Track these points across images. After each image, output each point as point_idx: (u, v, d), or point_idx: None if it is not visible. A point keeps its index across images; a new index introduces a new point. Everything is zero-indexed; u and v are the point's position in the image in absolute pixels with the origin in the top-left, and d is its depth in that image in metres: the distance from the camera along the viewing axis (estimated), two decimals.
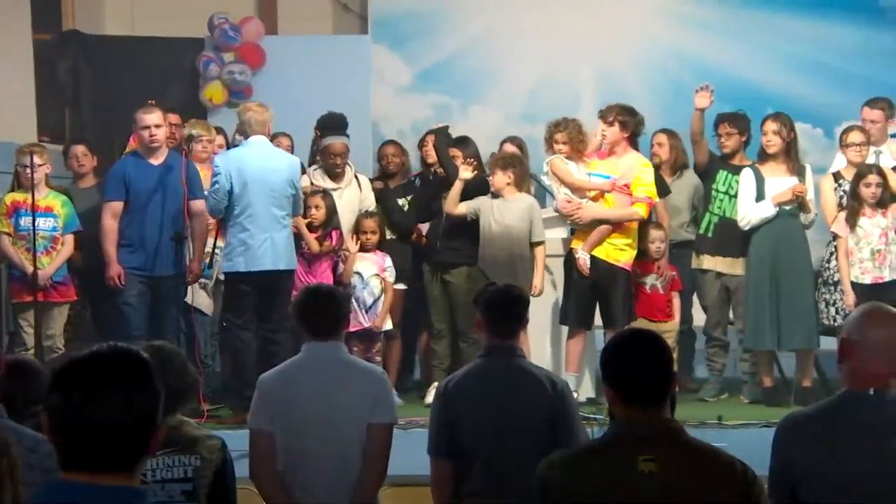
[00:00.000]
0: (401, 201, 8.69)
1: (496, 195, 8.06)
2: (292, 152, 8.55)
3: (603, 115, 8.01)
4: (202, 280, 8.14)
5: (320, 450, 4.53)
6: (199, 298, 8.24)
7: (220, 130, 8.85)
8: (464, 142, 8.39)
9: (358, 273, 8.19)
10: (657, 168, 8.32)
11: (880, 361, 3.58)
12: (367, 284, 8.18)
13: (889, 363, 3.58)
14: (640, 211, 7.90)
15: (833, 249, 8.04)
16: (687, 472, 3.18)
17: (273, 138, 8.24)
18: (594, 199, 7.96)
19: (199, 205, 7.81)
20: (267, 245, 7.62)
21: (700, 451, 3.26)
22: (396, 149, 9.05)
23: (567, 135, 8.04)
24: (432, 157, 8.61)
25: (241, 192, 7.63)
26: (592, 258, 7.88)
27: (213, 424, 6.66)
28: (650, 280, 8.23)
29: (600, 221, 7.90)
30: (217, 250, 7.95)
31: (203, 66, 11.10)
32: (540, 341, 7.99)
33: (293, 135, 8.99)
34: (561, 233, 8.25)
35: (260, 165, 7.68)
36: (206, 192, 7.82)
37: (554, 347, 8.25)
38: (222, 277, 8.05)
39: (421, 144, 9.00)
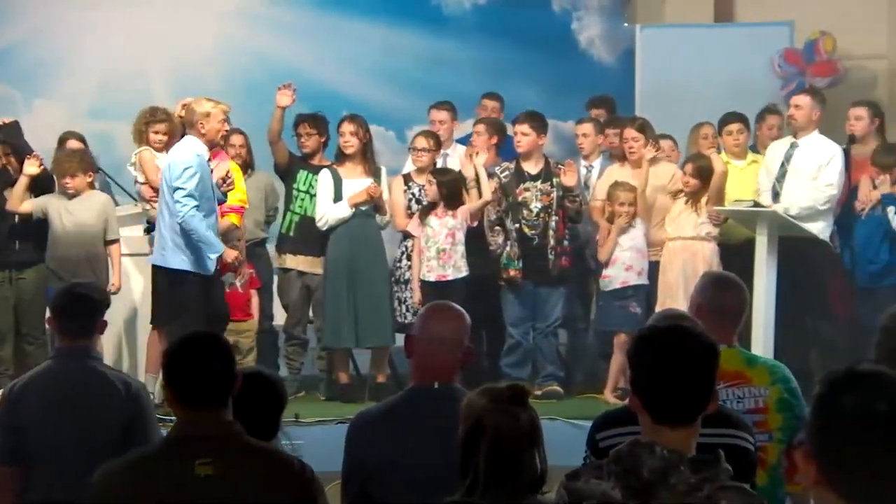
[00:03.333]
0: None
1: (67, 193, 7.79)
2: None
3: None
4: None
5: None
6: None
7: None
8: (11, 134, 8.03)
9: None
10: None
11: (443, 355, 3.73)
12: None
13: (451, 356, 3.74)
14: (233, 220, 7.88)
15: (405, 249, 8.33)
16: (246, 474, 3.19)
17: None
18: None
19: None
20: None
21: (260, 453, 3.27)
22: None
23: (167, 126, 7.84)
24: None
25: None
26: None
27: None
28: (228, 279, 8.21)
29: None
30: None
31: None
32: (117, 342, 7.79)
33: None
34: (139, 230, 8.07)
35: None
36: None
37: (131, 348, 8.07)
38: None
39: None
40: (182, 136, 7.48)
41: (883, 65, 10.94)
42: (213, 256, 7.27)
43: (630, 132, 8.37)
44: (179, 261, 7.25)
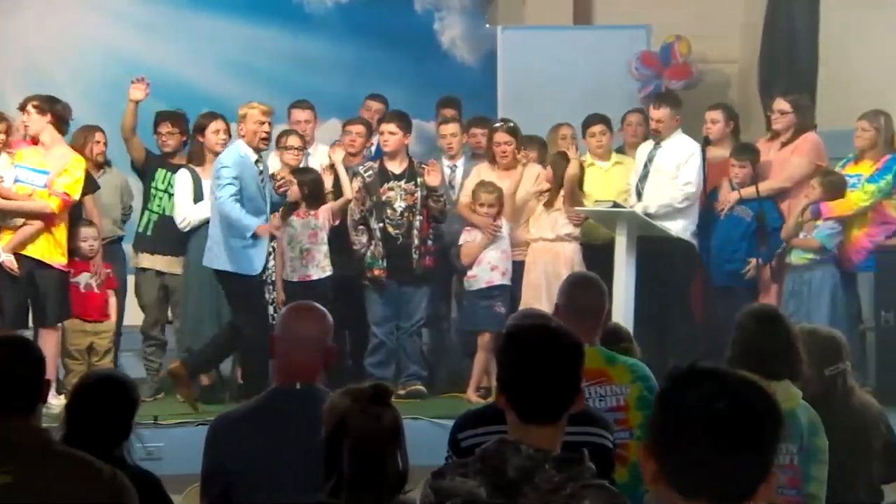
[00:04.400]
0: None
1: None
2: None
3: (22, 106, 7.77)
4: None
5: None
6: None
7: None
8: None
9: None
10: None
11: (305, 355, 3.71)
12: None
13: (314, 356, 3.72)
14: (52, 205, 7.65)
15: (270, 249, 8.25)
16: (49, 483, 3.08)
17: None
18: None
19: None
20: None
21: (68, 461, 3.17)
22: None
23: (4, 126, 7.63)
24: None
25: None
26: (24, 257, 7.58)
27: None
28: (84, 279, 8.04)
29: (14, 214, 7.60)
30: None
31: None
32: None
33: None
34: None
35: None
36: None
37: None
38: None
39: None
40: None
41: (735, 69, 11.22)
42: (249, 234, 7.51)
43: (502, 136, 8.42)
44: (222, 262, 7.58)
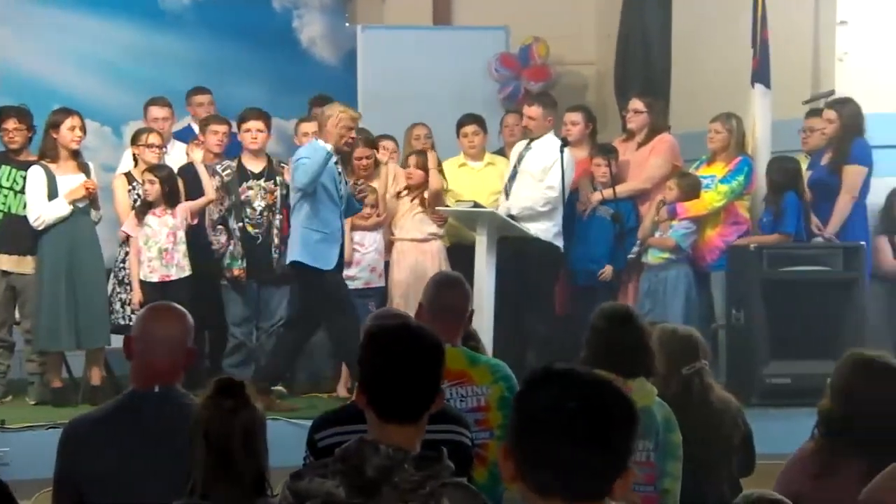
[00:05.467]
0: None
1: None
2: None
3: None
4: None
5: None
6: None
7: None
8: None
9: None
10: None
11: (164, 357, 3.65)
12: None
13: (173, 358, 3.66)
14: None
15: (128, 249, 8.10)
16: None
17: None
18: None
19: None
20: None
21: None
22: None
23: None
24: None
25: None
26: None
27: None
28: None
29: None
30: None
31: None
32: None
33: None
34: None
35: None
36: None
37: None
38: None
39: None
40: None
41: (592, 71, 11.40)
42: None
43: (362, 151, 8.38)
44: (298, 254, 7.50)
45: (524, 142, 8.54)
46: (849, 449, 4.02)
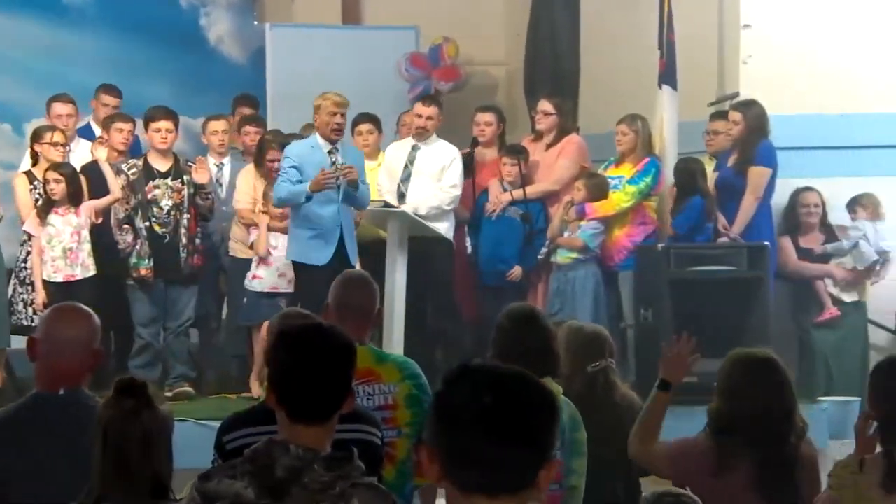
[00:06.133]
0: None
1: None
2: None
3: None
4: None
5: None
6: None
7: None
8: None
9: None
10: None
11: (69, 359, 3.59)
12: None
13: (79, 360, 3.60)
14: None
15: (30, 248, 7.97)
16: None
17: None
18: None
19: None
20: None
21: None
22: None
23: None
24: None
25: None
26: None
27: None
28: None
29: None
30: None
31: None
32: None
33: None
34: None
35: None
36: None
37: None
38: None
39: None
40: None
41: (502, 71, 11.45)
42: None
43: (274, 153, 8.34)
44: (291, 252, 7.79)
45: (406, 142, 8.56)
46: (737, 448, 4.11)
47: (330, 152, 7.69)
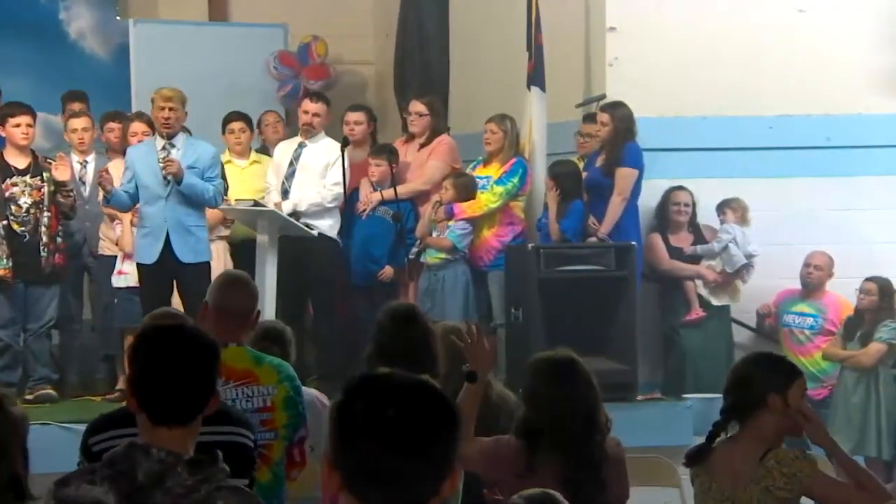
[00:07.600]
0: None
1: None
2: None
3: None
4: None
5: None
6: None
7: None
8: None
9: None
10: None
11: None
12: None
13: None
14: None
15: None
16: None
17: None
18: None
19: None
20: None
21: None
22: None
23: None
24: None
25: None
26: None
27: None
28: None
29: None
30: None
31: None
32: None
33: None
34: None
35: None
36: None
37: None
38: None
39: None
40: None
41: (371, 70, 11.43)
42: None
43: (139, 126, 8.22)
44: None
45: (294, 140, 8.52)
46: (543, 450, 4.15)
47: (164, 148, 7.61)
